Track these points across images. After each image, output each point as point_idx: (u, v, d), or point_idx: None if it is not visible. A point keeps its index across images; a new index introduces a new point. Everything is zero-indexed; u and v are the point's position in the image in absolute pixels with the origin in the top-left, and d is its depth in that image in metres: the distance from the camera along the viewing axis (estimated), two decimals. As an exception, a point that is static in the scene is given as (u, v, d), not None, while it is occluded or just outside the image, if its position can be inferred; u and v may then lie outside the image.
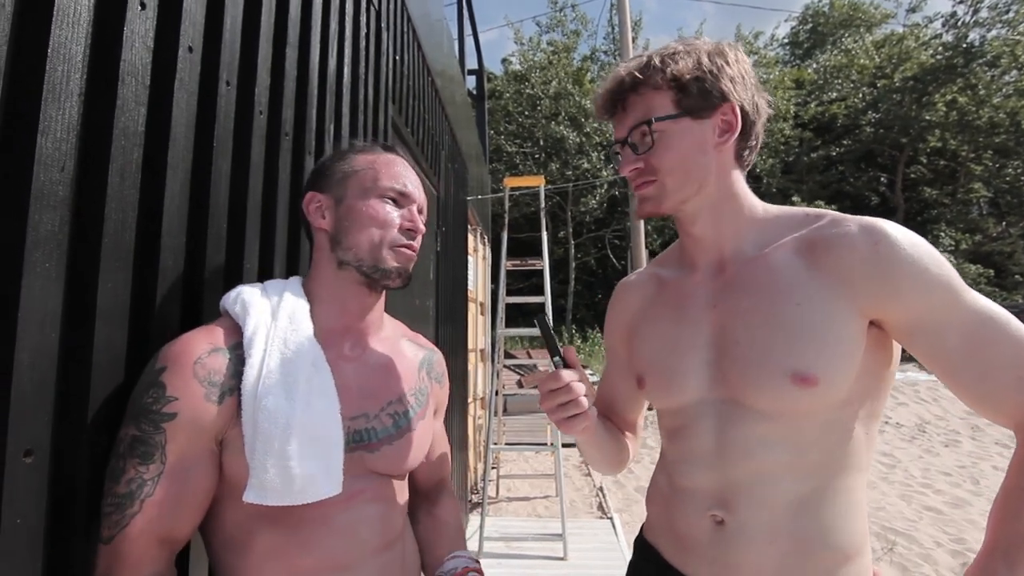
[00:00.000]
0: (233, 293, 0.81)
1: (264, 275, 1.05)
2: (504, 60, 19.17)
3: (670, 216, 0.86)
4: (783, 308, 0.74)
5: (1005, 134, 15.43)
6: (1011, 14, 14.34)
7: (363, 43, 1.67)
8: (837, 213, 0.78)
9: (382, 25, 1.90)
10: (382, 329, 0.92)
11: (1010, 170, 15.90)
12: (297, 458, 0.69)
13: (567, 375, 0.78)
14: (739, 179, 0.84)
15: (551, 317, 4.06)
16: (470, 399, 4.36)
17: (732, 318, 0.79)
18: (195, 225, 0.86)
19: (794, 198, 16.02)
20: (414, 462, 0.85)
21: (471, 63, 6.66)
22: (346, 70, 1.52)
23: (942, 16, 15.64)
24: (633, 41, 9.46)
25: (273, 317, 0.77)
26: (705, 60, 0.78)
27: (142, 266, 0.75)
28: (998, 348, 0.66)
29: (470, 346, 4.32)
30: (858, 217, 0.74)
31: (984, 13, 14.69)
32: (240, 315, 0.76)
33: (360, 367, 0.83)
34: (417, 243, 0.85)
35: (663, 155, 0.79)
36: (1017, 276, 15.58)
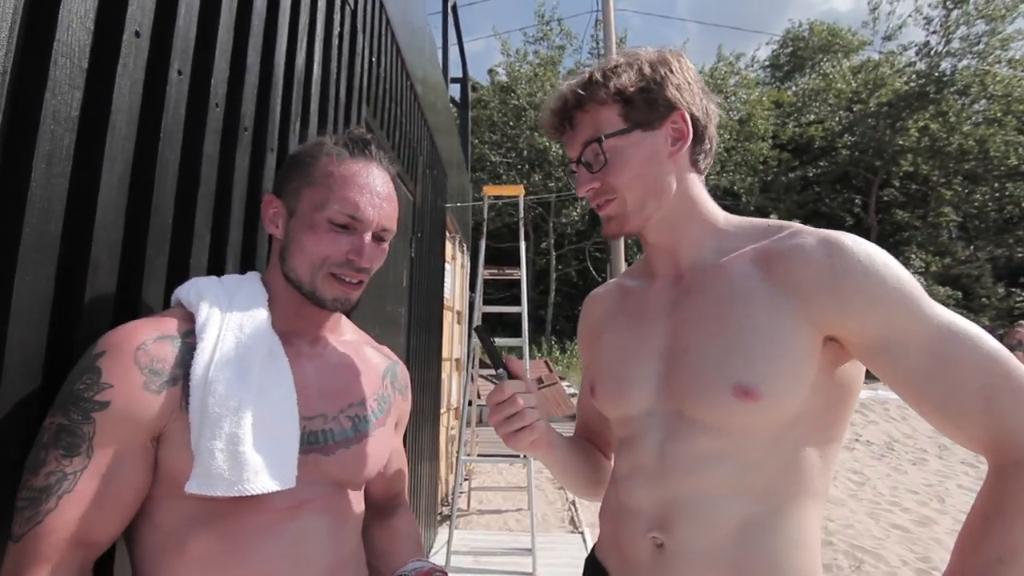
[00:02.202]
0: (187, 284, 0.77)
1: (215, 273, 1.00)
2: (491, 70, 19.28)
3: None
4: (732, 319, 0.72)
5: (974, 161, 15.95)
6: (981, 45, 14.90)
7: (336, 41, 1.64)
8: (801, 225, 0.75)
9: (357, 25, 1.86)
10: (343, 333, 0.88)
11: (978, 196, 16.42)
12: (248, 443, 0.65)
13: (511, 387, 0.76)
14: (696, 185, 0.82)
15: (527, 328, 4.03)
16: (443, 409, 4.30)
17: (685, 327, 0.77)
18: (135, 219, 0.81)
19: (772, 216, 16.31)
20: (371, 471, 0.81)
21: (456, 71, 6.66)
22: (316, 67, 1.48)
23: (916, 45, 16.21)
24: (618, 57, 9.56)
25: (229, 306, 0.73)
26: (648, 70, 0.77)
27: (69, 261, 0.70)
28: (963, 366, 0.62)
29: (444, 355, 4.27)
30: (819, 230, 0.72)
31: (956, 44, 15.24)
32: (194, 302, 0.72)
33: (320, 366, 0.79)
34: (364, 275, 0.78)
35: (619, 171, 0.77)
36: (984, 299, 16.03)
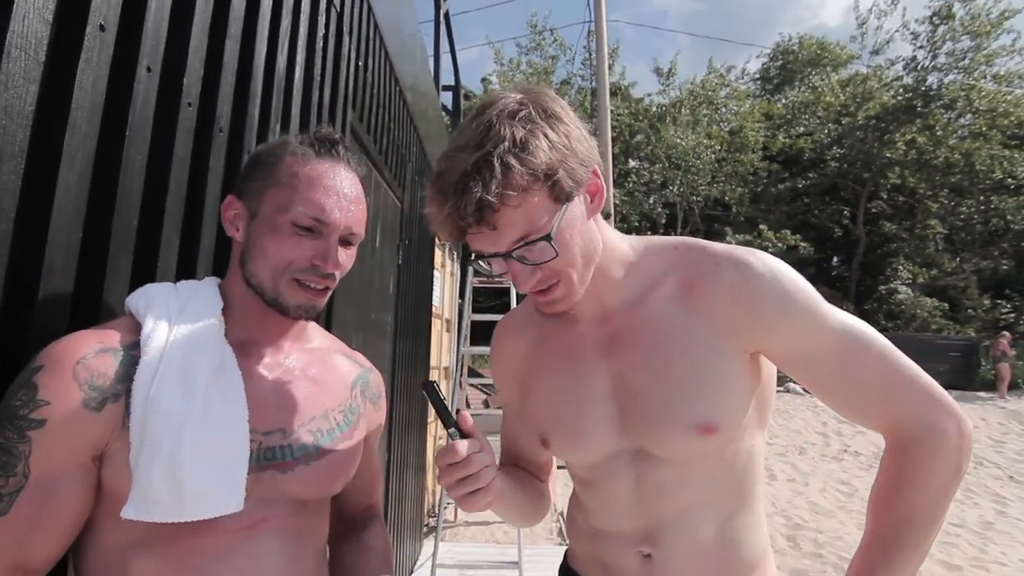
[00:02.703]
0: (139, 291, 0.72)
1: (184, 278, 0.97)
2: (484, 79, 19.37)
3: None
4: (675, 359, 0.74)
5: (960, 174, 16.18)
6: (966, 61, 15.17)
7: (320, 43, 1.61)
8: (705, 243, 0.78)
9: (344, 28, 1.84)
10: (310, 341, 0.84)
11: (964, 209, 16.64)
12: (189, 466, 0.61)
13: (464, 447, 0.68)
14: (604, 228, 0.78)
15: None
16: (430, 419, 4.24)
17: (628, 370, 0.77)
18: (96, 219, 0.78)
19: (761, 226, 16.41)
20: (334, 487, 0.77)
21: (448, 79, 6.67)
22: (298, 70, 1.45)
23: (903, 59, 16.47)
24: (610, 68, 9.65)
25: (179, 315, 0.69)
26: (553, 135, 0.67)
27: (20, 261, 0.67)
28: (863, 366, 0.72)
29: (433, 363, 4.22)
30: (727, 249, 0.75)
31: (942, 59, 15.50)
32: (141, 311, 0.68)
33: (281, 377, 0.75)
34: (330, 281, 0.73)
35: (566, 255, 0.70)
36: (969, 310, 16.20)
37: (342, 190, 0.73)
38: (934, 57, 15.62)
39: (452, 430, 0.72)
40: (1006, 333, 11.76)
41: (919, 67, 15.94)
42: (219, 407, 0.65)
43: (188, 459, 0.60)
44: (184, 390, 0.63)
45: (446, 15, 5.54)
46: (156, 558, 0.62)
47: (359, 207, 0.76)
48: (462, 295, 4.55)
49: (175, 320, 0.67)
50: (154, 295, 0.70)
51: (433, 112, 4.49)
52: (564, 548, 3.72)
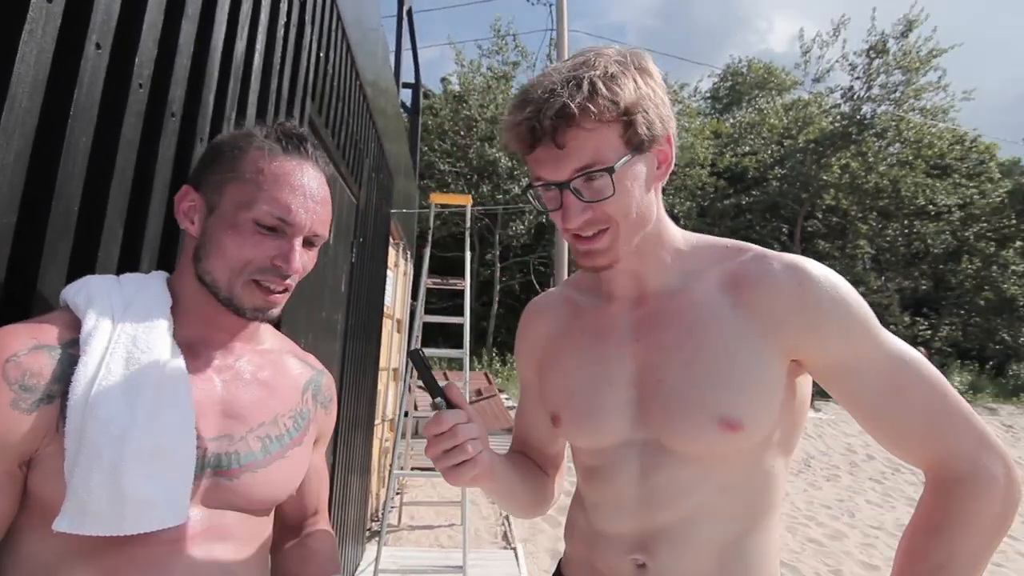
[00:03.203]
0: (78, 283, 0.67)
1: (127, 270, 0.91)
2: (443, 79, 19.23)
3: None
4: (709, 348, 0.71)
5: (887, 199, 17.32)
6: (897, 93, 16.26)
7: (281, 31, 1.56)
8: (758, 248, 0.75)
9: (305, 17, 1.79)
10: (261, 342, 0.80)
11: (890, 231, 17.82)
12: (131, 476, 0.57)
13: (450, 418, 0.69)
14: (662, 208, 0.77)
15: (469, 340, 3.98)
16: (377, 420, 4.16)
17: (656, 354, 0.74)
18: (34, 203, 0.72)
19: (708, 240, 17.03)
20: (281, 495, 0.73)
21: (408, 76, 6.58)
22: (257, 56, 1.40)
23: (841, 88, 17.46)
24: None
25: (124, 312, 0.64)
26: (642, 83, 0.68)
27: (-54, 245, 0.61)
28: (911, 394, 0.67)
29: (382, 364, 4.15)
30: (782, 254, 0.72)
31: (876, 90, 16.54)
32: (81, 306, 0.63)
33: (230, 380, 0.71)
34: (291, 281, 0.71)
35: (621, 202, 0.68)
36: (892, 326, 17.32)
37: (309, 190, 0.70)
38: (869, 88, 16.67)
39: (439, 399, 0.71)
40: (923, 349, 12.70)
41: (855, 96, 16.96)
42: (166, 414, 0.61)
43: (130, 469, 0.56)
44: (128, 395, 0.58)
45: (409, 12, 5.47)
46: (89, 570, 0.57)
47: (325, 208, 0.73)
48: (415, 296, 4.49)
49: (119, 317, 0.63)
50: (95, 288, 0.65)
51: (392, 109, 4.42)
52: (509, 552, 3.71)
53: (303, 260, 0.70)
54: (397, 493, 4.48)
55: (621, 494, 0.76)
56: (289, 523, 0.87)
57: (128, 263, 0.92)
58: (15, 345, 0.57)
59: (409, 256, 5.63)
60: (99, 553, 0.57)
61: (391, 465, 3.75)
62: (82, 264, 0.81)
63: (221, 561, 0.65)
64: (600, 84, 0.65)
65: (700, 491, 0.72)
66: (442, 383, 0.73)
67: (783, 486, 0.76)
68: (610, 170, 0.66)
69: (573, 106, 0.64)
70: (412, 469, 4.73)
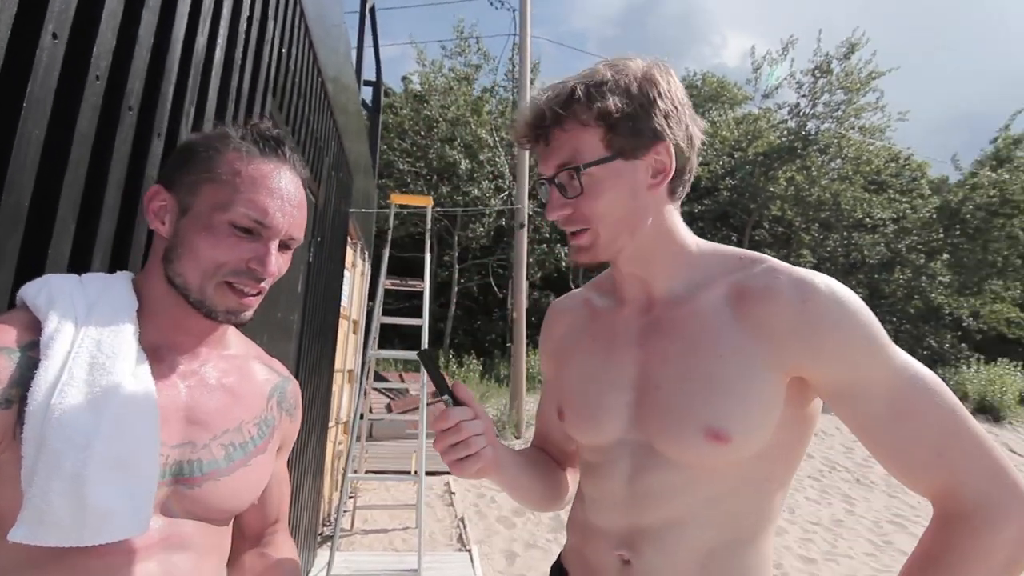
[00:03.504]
0: (37, 282, 0.65)
1: (78, 267, 0.88)
2: (404, 78, 19.00)
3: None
4: (706, 359, 0.71)
5: (828, 211, 18.26)
6: (839, 112, 17.16)
7: (243, 25, 1.53)
8: (773, 260, 0.75)
9: (268, 12, 1.76)
10: (227, 347, 0.79)
11: (830, 242, 18.78)
12: (94, 485, 0.55)
13: (456, 414, 0.72)
14: (672, 216, 0.78)
15: (427, 341, 3.96)
16: (331, 423, 4.09)
17: (656, 361, 0.76)
18: (-19, 197, 0.69)
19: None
20: (243, 504, 0.72)
21: (369, 74, 6.50)
22: (218, 51, 1.37)
23: (788, 105, 18.28)
24: (532, 83, 9.88)
25: (88, 314, 0.62)
26: (635, 91, 0.70)
27: None
28: (920, 420, 0.64)
29: (337, 366, 4.07)
30: (793, 268, 0.71)
31: (820, 108, 17.40)
32: (42, 307, 0.61)
33: (194, 386, 0.70)
34: (265, 285, 0.70)
35: (594, 202, 0.72)
36: (831, 332, 18.29)
37: (286, 193, 0.70)
38: (814, 106, 17.52)
39: (447, 397, 0.75)
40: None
41: (801, 113, 17.79)
42: (131, 422, 0.59)
43: (93, 478, 0.54)
44: (92, 402, 0.57)
45: (371, 8, 5.41)
46: None
47: (301, 212, 0.73)
48: (372, 296, 4.44)
49: (83, 320, 0.61)
50: (57, 289, 0.63)
51: (353, 106, 4.36)
52: (464, 554, 3.72)
53: (278, 263, 0.70)
54: (350, 497, 4.41)
55: (612, 491, 0.78)
56: (249, 532, 0.85)
57: (80, 260, 0.89)
58: None
59: (367, 256, 5.55)
60: (52, 563, 0.56)
61: (345, 468, 3.68)
62: (32, 260, 0.78)
63: (179, 572, 0.64)
64: (581, 90, 0.70)
65: (685, 497, 0.73)
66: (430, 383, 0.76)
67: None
68: (577, 169, 0.71)
69: (547, 110, 0.71)
70: (366, 472, 4.66)
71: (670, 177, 0.74)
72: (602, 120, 0.70)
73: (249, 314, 0.72)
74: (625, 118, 0.70)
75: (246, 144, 0.70)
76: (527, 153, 9.02)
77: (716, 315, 0.72)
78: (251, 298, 0.70)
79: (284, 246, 0.72)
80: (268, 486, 0.81)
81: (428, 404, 3.50)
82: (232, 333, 0.81)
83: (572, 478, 0.99)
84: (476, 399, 0.78)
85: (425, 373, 0.78)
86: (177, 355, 0.70)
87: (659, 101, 0.71)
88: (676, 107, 0.73)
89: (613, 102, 0.69)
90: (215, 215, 0.66)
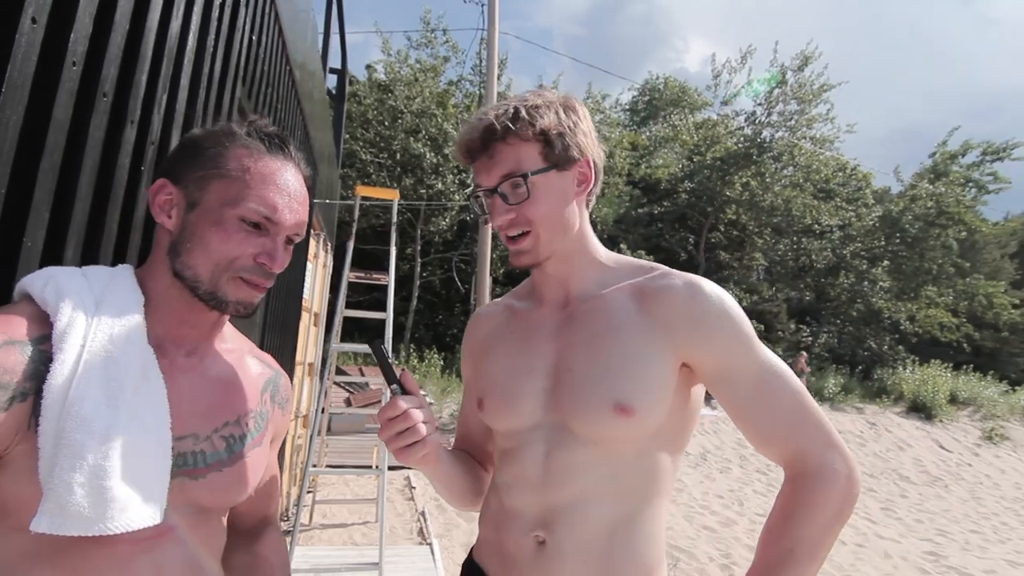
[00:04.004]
0: (41, 275, 0.65)
1: (51, 257, 0.87)
2: (368, 66, 18.63)
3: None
4: (612, 344, 0.82)
5: (780, 217, 18.98)
6: (792, 122, 17.84)
7: (215, 13, 1.50)
8: (667, 268, 0.89)
9: (240, 0, 1.72)
10: (224, 341, 0.80)
11: (781, 246, 19.54)
12: (115, 475, 0.56)
13: (405, 402, 0.77)
14: (587, 223, 0.91)
15: (391, 335, 3.95)
16: (291, 417, 4.02)
17: (569, 349, 0.86)
18: (-42, 184, 0.68)
19: (621, 245, 17.83)
20: (242, 495, 0.74)
21: (334, 62, 6.37)
22: (191, 38, 1.34)
23: (745, 113, 18.88)
24: (498, 78, 9.88)
25: (96, 308, 0.63)
26: (563, 115, 0.84)
27: None
28: (777, 400, 0.80)
29: (298, 359, 4.01)
30: (685, 274, 0.86)
31: (775, 117, 18.04)
32: (51, 301, 0.61)
33: (195, 379, 0.71)
34: (271, 279, 0.73)
35: (537, 206, 0.82)
36: (780, 332, 19.06)
37: (293, 190, 0.72)
38: (769, 114, 18.15)
39: (395, 387, 0.78)
40: (804, 353, 14.06)
41: (757, 121, 18.39)
42: (144, 415, 0.60)
43: (114, 469, 0.56)
44: (108, 394, 0.58)
45: (339, -4, 5.30)
46: (51, 571, 0.56)
47: (305, 209, 0.75)
48: (335, 290, 4.38)
49: (92, 314, 0.61)
50: (64, 283, 0.63)
51: (319, 94, 4.28)
52: (425, 548, 3.73)
53: (284, 257, 0.72)
54: (309, 491, 4.35)
55: (528, 473, 0.85)
56: (241, 527, 0.86)
57: (53, 249, 0.87)
58: None
59: (329, 248, 5.46)
60: (63, 554, 0.56)
61: (305, 462, 3.64)
62: (7, 250, 0.76)
63: (185, 560, 0.65)
64: (523, 110, 0.82)
65: (593, 472, 0.82)
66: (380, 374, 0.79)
67: (671, 478, 0.86)
68: (525, 176, 0.81)
69: (497, 125, 0.82)
70: (327, 466, 4.61)
71: (591, 187, 0.88)
72: (541, 136, 0.82)
73: (256, 305, 0.74)
74: (558, 136, 0.83)
75: (252, 141, 0.71)
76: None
77: (622, 309, 0.85)
78: (260, 290, 0.72)
79: (288, 241, 0.74)
80: (262, 478, 0.82)
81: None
82: (228, 328, 0.82)
83: (490, 477, 1.05)
84: (420, 390, 0.83)
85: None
86: (179, 348, 0.71)
87: (580, 124, 0.86)
88: (590, 130, 0.88)
89: (550, 120, 0.82)
90: (225, 210, 0.67)
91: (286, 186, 0.72)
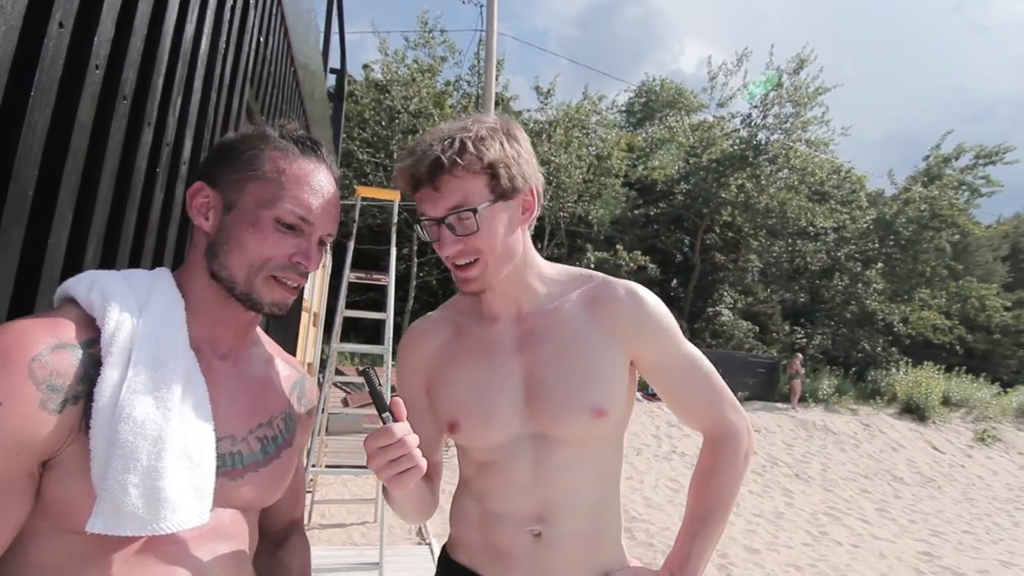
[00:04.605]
0: (84, 280, 0.65)
1: (74, 257, 0.87)
2: (365, 66, 18.60)
3: None
4: (578, 354, 0.90)
5: (775, 219, 19.09)
6: (788, 124, 17.94)
7: (227, 15, 1.51)
8: (604, 275, 0.98)
9: (250, 2, 1.73)
10: (255, 343, 0.81)
11: (776, 248, 19.66)
12: (168, 476, 0.57)
13: (399, 429, 0.75)
14: (529, 243, 0.95)
15: (391, 336, 3.96)
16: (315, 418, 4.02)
17: (537, 362, 0.91)
18: (-9, 186, 0.69)
19: (618, 246, 17.88)
20: (276, 495, 0.75)
21: (334, 62, 6.35)
22: (204, 40, 1.35)
23: (741, 115, 18.99)
24: (496, 78, 9.90)
25: (141, 312, 0.64)
26: (507, 146, 0.85)
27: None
28: (698, 381, 0.96)
29: (297, 358, 4.01)
30: (621, 280, 0.96)
31: (770, 119, 18.14)
32: (97, 306, 0.62)
33: (231, 381, 0.73)
34: (305, 278, 0.74)
35: (484, 238, 0.84)
36: (774, 333, 19.18)
37: (326, 191, 0.74)
38: (764, 117, 18.24)
39: (386, 414, 0.76)
40: (799, 355, 14.11)
41: (752, 124, 18.49)
42: (191, 416, 0.62)
43: (167, 471, 0.57)
44: (158, 397, 0.59)
45: (339, -4, 5.30)
46: (97, 572, 0.57)
47: (337, 210, 0.77)
48: (335, 290, 4.38)
49: (138, 317, 0.62)
50: (108, 287, 0.64)
51: (320, 94, 4.28)
52: (424, 547, 3.73)
53: (318, 257, 0.74)
54: (308, 491, 4.35)
55: (517, 480, 0.90)
56: (268, 529, 0.87)
57: (75, 250, 0.88)
58: (38, 343, 0.55)
59: (328, 248, 5.47)
60: (110, 555, 0.57)
61: (306, 463, 3.64)
62: (33, 252, 0.77)
63: (226, 559, 0.67)
64: (469, 143, 0.82)
65: (577, 467, 0.90)
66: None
67: (622, 456, 1.01)
68: (474, 210, 0.83)
69: (444, 159, 0.81)
70: (326, 466, 4.61)
71: (534, 213, 0.91)
72: (488, 169, 0.83)
73: (289, 303, 0.75)
74: (504, 168, 0.84)
75: (285, 143, 0.73)
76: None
77: (577, 319, 0.92)
78: (293, 290, 0.73)
79: (321, 242, 0.75)
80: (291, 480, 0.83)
81: (394, 397, 3.49)
82: (258, 331, 0.83)
83: (438, 488, 1.04)
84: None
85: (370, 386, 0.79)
86: (215, 350, 0.73)
87: (522, 152, 0.88)
88: (530, 156, 0.90)
89: (495, 154, 0.84)
90: (261, 211, 0.69)
91: (320, 187, 0.73)
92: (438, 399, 0.96)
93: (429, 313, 1.04)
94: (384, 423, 0.76)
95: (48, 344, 0.56)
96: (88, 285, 0.64)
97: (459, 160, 0.81)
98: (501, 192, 0.85)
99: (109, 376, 0.57)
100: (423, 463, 0.77)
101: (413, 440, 0.76)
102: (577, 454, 0.90)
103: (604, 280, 0.96)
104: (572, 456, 0.89)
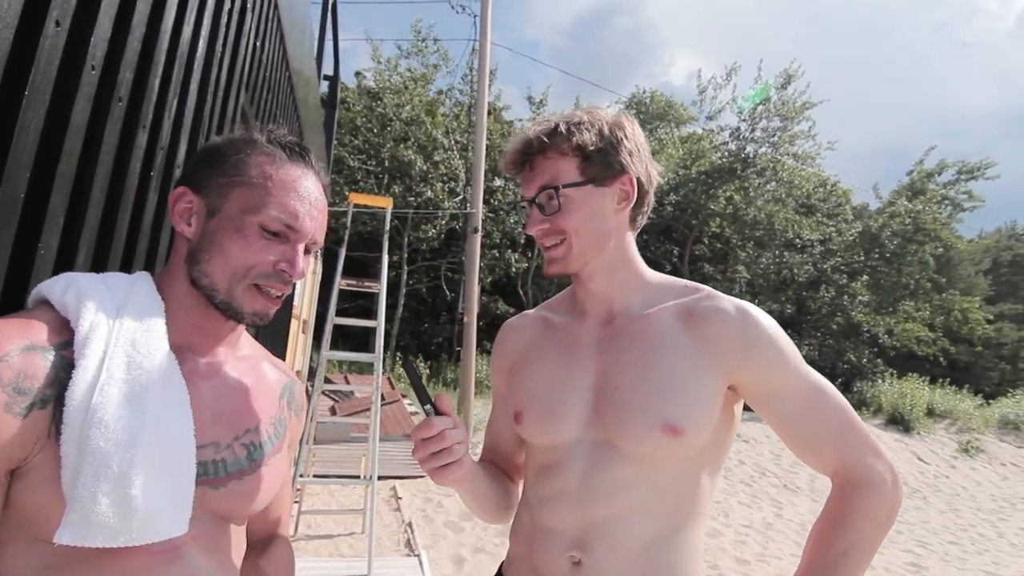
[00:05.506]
0: (60, 281, 0.63)
1: (65, 261, 0.85)
2: (358, 73, 18.57)
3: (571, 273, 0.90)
4: (661, 364, 0.82)
5: (762, 231, 19.29)
6: (776, 138, 18.18)
7: (224, 19, 1.49)
8: (710, 288, 0.90)
9: (247, 5, 1.72)
10: (241, 348, 0.79)
11: (763, 260, 19.84)
12: (141, 485, 0.55)
13: (440, 423, 0.77)
14: (631, 242, 0.92)
15: (382, 343, 3.92)
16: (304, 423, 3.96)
17: (615, 366, 0.85)
18: (-20, 187, 0.66)
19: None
20: (262, 503, 0.73)
21: (327, 68, 6.34)
22: (201, 43, 1.33)
23: (730, 128, 19.21)
24: (489, 88, 9.94)
25: (117, 314, 0.61)
26: (607, 131, 0.85)
27: None
28: (824, 415, 0.82)
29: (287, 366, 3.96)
30: (731, 297, 0.86)
31: (758, 133, 18.37)
32: (72, 307, 0.59)
33: (215, 387, 0.70)
34: (289, 286, 0.72)
35: (569, 218, 0.84)
36: (762, 345, 19.30)
37: (313, 198, 0.72)
38: (753, 130, 18.46)
39: (428, 407, 0.78)
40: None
41: (741, 137, 18.70)
42: (169, 422, 0.59)
43: (140, 478, 0.54)
44: (132, 401, 0.56)
45: (334, 3, 5.30)
46: None
47: (324, 217, 0.74)
48: (325, 298, 4.34)
49: (115, 320, 0.60)
50: (84, 288, 0.61)
51: (313, 100, 4.26)
52: (413, 559, 3.67)
53: (304, 266, 0.71)
54: (295, 502, 4.28)
55: (566, 488, 0.84)
56: (252, 537, 0.84)
57: (66, 254, 0.86)
58: (7, 345, 0.53)
59: (318, 254, 5.42)
60: (84, 565, 0.55)
61: (294, 472, 3.58)
62: (22, 255, 0.75)
63: (205, 570, 0.63)
64: (562, 126, 0.84)
65: (635, 489, 0.81)
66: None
67: (709, 498, 0.86)
68: (557, 188, 0.83)
69: (535, 140, 0.85)
70: (313, 476, 4.53)
71: (632, 204, 0.88)
72: (578, 151, 0.84)
73: (272, 315, 0.72)
74: (597, 152, 0.84)
75: (272, 148, 0.71)
76: (482, 158, 9.08)
77: (669, 329, 0.85)
78: (276, 300, 0.71)
79: (306, 250, 0.73)
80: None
81: (383, 405, 3.45)
82: (244, 334, 0.80)
83: (519, 490, 1.04)
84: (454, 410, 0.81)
85: (400, 381, 0.79)
86: (197, 356, 0.70)
87: (625, 141, 0.86)
88: (638, 148, 0.88)
89: (588, 137, 0.84)
90: (246, 217, 0.67)
91: (307, 194, 0.71)
92: (512, 390, 0.95)
93: (527, 311, 1.05)
94: (427, 415, 0.78)
95: (17, 345, 0.54)
96: (64, 286, 0.62)
97: (549, 141, 0.83)
98: (592, 175, 0.84)
99: (81, 379, 0.55)
100: (465, 458, 0.78)
101: (454, 435, 0.77)
102: (638, 473, 0.81)
103: (710, 294, 0.87)
104: (632, 474, 0.81)
